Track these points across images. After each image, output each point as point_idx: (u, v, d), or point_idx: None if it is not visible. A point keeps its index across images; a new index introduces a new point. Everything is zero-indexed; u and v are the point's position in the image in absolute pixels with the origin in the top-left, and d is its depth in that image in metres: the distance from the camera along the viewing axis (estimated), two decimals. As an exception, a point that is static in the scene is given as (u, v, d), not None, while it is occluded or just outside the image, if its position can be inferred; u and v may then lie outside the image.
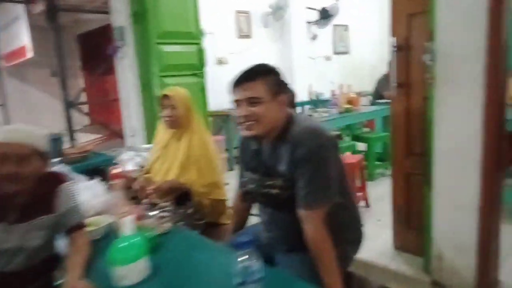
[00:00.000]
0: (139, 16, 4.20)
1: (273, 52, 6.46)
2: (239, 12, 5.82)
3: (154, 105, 4.26)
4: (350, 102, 4.27)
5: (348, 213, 1.56)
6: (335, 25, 7.52)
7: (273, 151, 1.51)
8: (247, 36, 6.00)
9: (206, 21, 5.41)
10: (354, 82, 8.12)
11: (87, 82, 7.71)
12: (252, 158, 1.61)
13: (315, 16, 6.83)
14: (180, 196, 1.98)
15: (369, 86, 8.14)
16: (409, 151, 2.34)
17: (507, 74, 1.89)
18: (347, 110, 4.13)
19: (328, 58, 7.45)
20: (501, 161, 1.89)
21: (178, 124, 2.15)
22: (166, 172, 2.10)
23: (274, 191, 1.46)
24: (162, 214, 1.72)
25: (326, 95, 7.00)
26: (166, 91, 2.23)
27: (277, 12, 5.92)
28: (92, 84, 7.42)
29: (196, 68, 4.56)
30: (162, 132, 2.30)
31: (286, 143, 1.43)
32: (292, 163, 1.41)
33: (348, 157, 3.25)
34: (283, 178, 1.44)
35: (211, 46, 5.50)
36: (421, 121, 2.15)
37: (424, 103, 2.09)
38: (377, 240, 2.80)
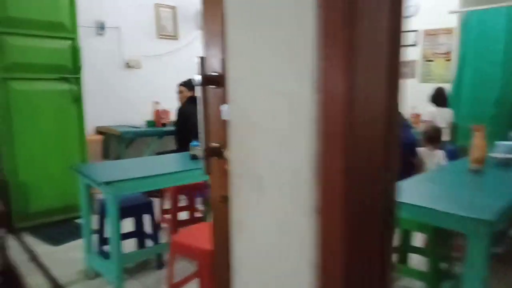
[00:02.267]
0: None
1: (210, 59, 5.30)
2: (160, 6, 4.66)
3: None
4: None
5: None
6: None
7: None
8: (172, 37, 4.84)
9: (108, 13, 4.26)
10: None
11: None
12: None
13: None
14: None
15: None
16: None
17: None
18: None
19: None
20: None
21: None
22: None
23: None
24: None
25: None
26: None
27: (211, 10, 4.76)
28: None
29: (68, 71, 3.38)
30: None
31: None
32: None
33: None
34: None
35: (115, 45, 4.34)
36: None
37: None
38: None
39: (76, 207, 3.51)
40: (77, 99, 3.46)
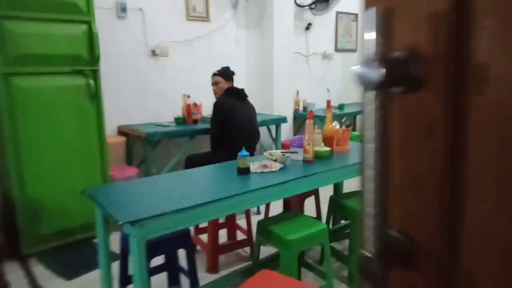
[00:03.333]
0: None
1: (246, 45, 4.62)
2: (189, -18, 3.99)
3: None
4: (328, 140, 2.43)
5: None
6: (339, 13, 5.60)
7: None
8: (204, 19, 4.17)
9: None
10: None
11: None
12: None
13: (310, -3, 4.95)
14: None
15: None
16: None
17: None
18: (321, 156, 2.30)
19: (326, 57, 5.57)
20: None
21: None
22: None
23: None
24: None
25: (320, 106, 5.16)
26: None
27: (247, -14, 4.05)
28: None
29: (84, 62, 2.79)
30: None
31: None
32: None
33: None
34: None
35: (139, 30, 3.72)
36: None
37: None
38: None
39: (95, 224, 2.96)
40: (96, 96, 2.86)
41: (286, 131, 4.66)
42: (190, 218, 1.59)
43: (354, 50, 6.00)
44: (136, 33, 3.69)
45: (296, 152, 2.27)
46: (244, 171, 2.04)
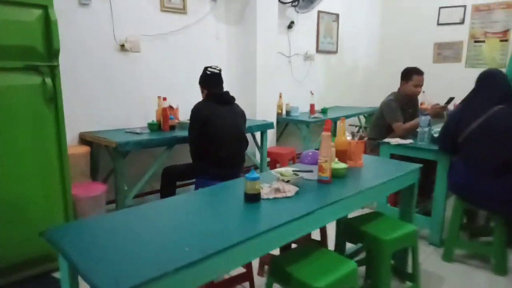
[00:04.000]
0: None
1: (227, 42, 4.17)
2: (164, -33, 3.50)
3: None
4: (342, 154, 2.07)
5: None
6: (321, 12, 5.30)
7: None
8: (180, 11, 3.69)
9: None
10: (343, 94, 6.01)
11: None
12: None
13: (294, -7, 4.60)
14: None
15: (362, 99, 6.04)
16: None
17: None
18: (337, 174, 1.93)
19: (308, 58, 5.24)
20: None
21: None
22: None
23: None
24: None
25: (302, 110, 4.82)
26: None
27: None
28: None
29: (39, 56, 2.23)
30: None
31: None
32: None
33: None
34: None
35: (105, 21, 3.19)
36: None
37: None
38: None
39: (55, 255, 2.41)
40: (54, 97, 2.32)
41: (269, 138, 4.28)
42: (200, 275, 1.15)
43: (334, 52, 5.73)
44: (102, 24, 3.14)
45: (311, 171, 1.88)
46: (253, 198, 1.62)
